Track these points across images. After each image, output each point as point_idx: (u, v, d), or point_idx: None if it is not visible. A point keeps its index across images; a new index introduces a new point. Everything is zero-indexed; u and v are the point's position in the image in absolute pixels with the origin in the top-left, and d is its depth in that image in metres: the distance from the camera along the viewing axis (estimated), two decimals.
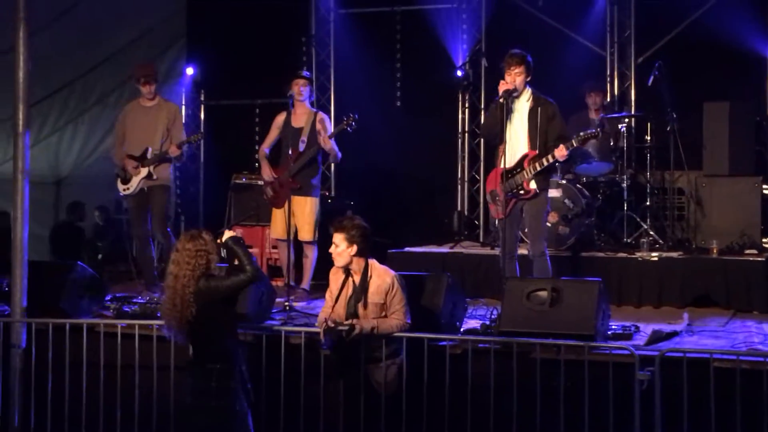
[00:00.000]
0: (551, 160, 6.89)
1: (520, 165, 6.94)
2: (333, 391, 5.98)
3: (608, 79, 10.32)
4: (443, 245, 9.51)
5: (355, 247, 5.67)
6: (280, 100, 8.37)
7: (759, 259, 8.02)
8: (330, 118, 11.26)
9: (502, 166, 6.90)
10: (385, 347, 5.70)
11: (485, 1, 10.74)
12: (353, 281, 5.77)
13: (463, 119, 11.01)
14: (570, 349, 5.64)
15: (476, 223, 10.62)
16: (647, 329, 6.49)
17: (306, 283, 8.25)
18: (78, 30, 10.18)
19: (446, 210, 10.73)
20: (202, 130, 11.92)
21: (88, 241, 12.38)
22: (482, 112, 10.10)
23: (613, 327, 6.41)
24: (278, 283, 8.63)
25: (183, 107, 11.86)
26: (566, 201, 8.59)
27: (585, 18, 10.32)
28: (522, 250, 7.26)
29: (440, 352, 5.81)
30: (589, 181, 9.08)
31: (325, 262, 8.09)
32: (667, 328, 6.63)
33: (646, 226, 8.85)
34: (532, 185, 6.93)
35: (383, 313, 5.71)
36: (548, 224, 8.43)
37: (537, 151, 6.91)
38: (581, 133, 6.96)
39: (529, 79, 6.95)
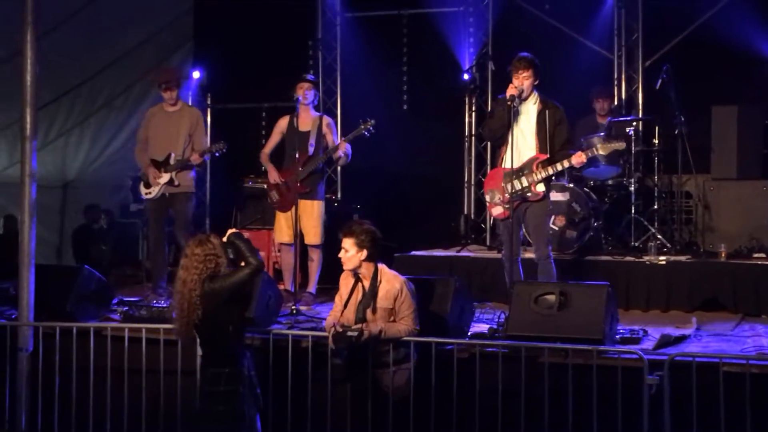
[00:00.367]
0: (566, 166, 6.89)
1: (528, 167, 6.92)
2: (340, 396, 5.96)
3: (616, 82, 10.30)
4: (450, 249, 9.50)
5: (364, 252, 5.65)
6: (287, 104, 8.36)
7: (767, 263, 7.99)
8: (336, 121, 11.31)
9: (504, 166, 6.90)
10: (393, 352, 5.68)
11: (492, 5, 10.72)
12: (363, 286, 5.76)
13: (470, 123, 10.99)
14: (578, 353, 5.62)
15: (483, 226, 10.60)
16: (655, 333, 6.47)
17: (312, 287, 8.23)
18: (85, 33, 10.20)
19: (453, 213, 10.71)
20: (209, 133, 11.95)
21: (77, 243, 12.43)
22: (489, 110, 10.08)
23: (621, 331, 6.39)
24: (279, 287, 8.60)
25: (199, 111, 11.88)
26: (574, 204, 8.58)
27: (592, 21, 10.31)
28: (527, 254, 7.24)
29: (448, 356, 5.80)
30: (597, 185, 9.06)
31: (328, 266, 8.12)
32: (675, 332, 6.61)
33: (653, 230, 8.83)
34: (540, 188, 6.91)
35: (392, 318, 5.69)
36: (556, 228, 8.44)
37: (547, 155, 6.89)
38: (604, 142, 6.99)
39: (536, 82, 6.94)
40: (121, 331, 6.48)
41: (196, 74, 12.05)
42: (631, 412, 5.35)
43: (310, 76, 8.31)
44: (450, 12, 10.91)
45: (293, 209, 7.89)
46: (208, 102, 12.19)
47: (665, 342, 6.21)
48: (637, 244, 8.79)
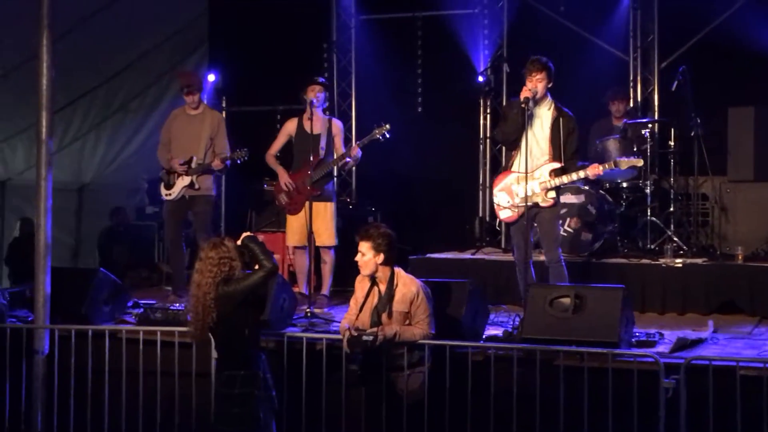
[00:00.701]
0: (582, 176, 6.87)
1: (541, 173, 6.89)
2: (355, 399, 5.95)
3: (631, 84, 10.25)
4: (465, 252, 9.48)
5: (381, 256, 5.64)
6: (301, 107, 8.35)
7: None
8: (351, 124, 11.33)
9: (514, 170, 6.87)
10: (407, 355, 5.67)
11: (507, 7, 10.70)
12: (379, 290, 5.75)
13: (485, 125, 10.97)
14: (593, 356, 5.59)
15: (498, 229, 10.55)
16: (672, 337, 6.43)
17: (326, 290, 8.22)
18: (100, 37, 10.24)
19: (468, 216, 10.68)
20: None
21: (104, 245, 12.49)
22: (502, 113, 10.05)
23: (637, 334, 6.35)
24: (294, 290, 8.60)
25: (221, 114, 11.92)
26: (589, 207, 8.54)
27: (607, 23, 10.27)
28: (538, 257, 7.22)
29: (462, 359, 5.78)
30: (612, 187, 9.02)
31: (343, 269, 8.12)
32: (692, 335, 6.56)
33: (669, 233, 8.78)
34: (551, 195, 6.89)
35: (407, 322, 5.68)
36: (570, 230, 8.41)
37: (560, 163, 6.87)
38: (626, 159, 6.99)
39: (550, 85, 6.91)
40: (136, 334, 6.49)
41: (211, 77, 12.09)
42: (647, 416, 5.32)
43: (321, 78, 8.29)
44: (465, 14, 10.89)
45: (304, 212, 7.89)
46: (223, 105, 12.21)
47: (681, 345, 6.17)
48: (653, 247, 8.75)
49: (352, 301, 5.90)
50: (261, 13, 11.47)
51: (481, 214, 10.77)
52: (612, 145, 8.65)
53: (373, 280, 5.75)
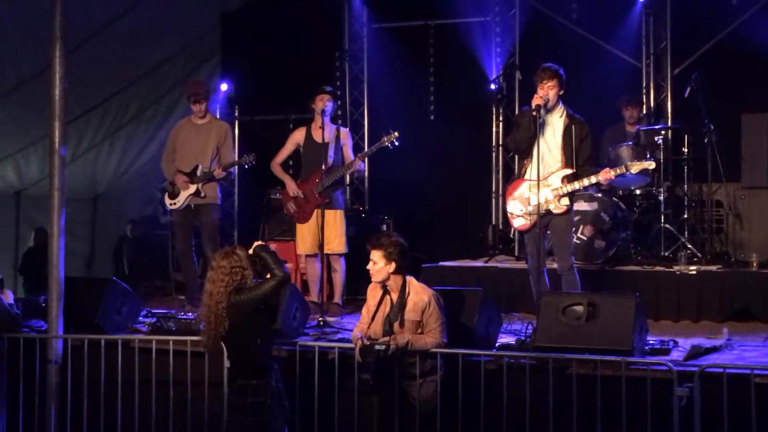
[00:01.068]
0: (594, 182, 6.84)
1: (554, 181, 6.87)
2: (367, 408, 5.94)
3: (644, 90, 10.23)
4: (478, 259, 9.47)
5: (393, 264, 5.64)
6: (313, 116, 8.37)
7: None
8: (363, 133, 11.35)
9: (527, 178, 6.85)
10: (420, 364, 5.66)
11: (519, 14, 10.69)
12: (391, 298, 5.74)
13: (497, 132, 10.95)
14: (607, 364, 5.57)
15: (511, 237, 10.53)
16: (686, 344, 6.39)
17: (338, 298, 8.22)
18: (114, 47, 10.28)
19: (480, 224, 10.66)
20: (236, 146, 11.98)
21: (117, 253, 12.54)
22: (515, 122, 10.04)
23: (651, 342, 6.31)
24: (306, 298, 8.61)
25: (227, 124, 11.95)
26: (602, 214, 8.52)
27: (620, 30, 10.25)
28: (551, 265, 7.20)
29: (475, 367, 5.76)
30: (626, 194, 8.99)
31: (354, 277, 8.12)
32: (706, 342, 6.53)
33: (683, 239, 8.75)
34: (564, 202, 6.87)
35: (419, 331, 5.67)
36: (584, 237, 8.39)
37: (573, 169, 6.85)
38: (637, 162, 6.97)
39: (561, 92, 6.90)
40: (148, 343, 6.50)
41: (223, 86, 12.12)
42: (660, 424, 5.29)
43: (328, 87, 8.29)
44: (476, 22, 10.89)
45: (314, 220, 7.90)
46: (236, 114, 12.25)
47: (696, 353, 6.13)
48: (667, 254, 8.72)
49: (364, 310, 5.89)
50: (273, 22, 11.50)
51: (494, 222, 10.74)
52: (625, 151, 8.63)
53: (385, 289, 5.75)
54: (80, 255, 12.38)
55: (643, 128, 9.14)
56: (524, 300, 8.03)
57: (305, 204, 8.13)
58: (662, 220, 8.86)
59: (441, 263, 9.18)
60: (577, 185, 6.82)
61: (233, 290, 5.21)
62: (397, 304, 5.70)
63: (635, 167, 7.05)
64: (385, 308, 5.74)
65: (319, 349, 6.15)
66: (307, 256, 8.26)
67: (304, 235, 8.18)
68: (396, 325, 5.66)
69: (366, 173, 10.92)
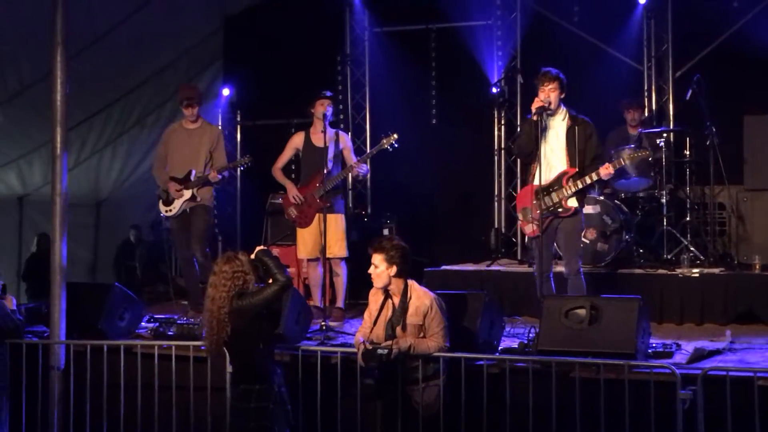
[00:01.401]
0: (595, 178, 6.82)
1: (558, 182, 6.86)
2: (370, 412, 5.93)
3: (646, 93, 10.23)
4: (480, 263, 9.46)
5: (394, 268, 5.63)
6: (312, 120, 8.37)
7: None
8: (366, 137, 11.35)
9: (536, 183, 6.84)
10: (423, 368, 5.65)
11: (520, 18, 10.70)
12: (392, 302, 5.73)
13: (499, 136, 10.95)
14: (610, 368, 5.55)
15: (514, 240, 10.54)
16: (689, 347, 6.38)
17: (341, 302, 8.22)
18: (116, 53, 10.29)
19: (483, 228, 10.66)
20: (238, 150, 12.02)
21: (119, 259, 12.55)
22: (518, 129, 10.05)
23: (654, 345, 6.31)
24: (309, 303, 8.60)
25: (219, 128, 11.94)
26: (605, 217, 8.51)
27: (621, 32, 10.25)
28: (557, 268, 7.19)
29: (478, 371, 5.75)
30: (628, 197, 8.98)
31: (357, 282, 8.11)
32: (709, 345, 6.52)
33: (686, 242, 8.73)
34: (571, 203, 6.86)
35: (421, 335, 5.66)
36: (587, 241, 8.37)
37: (576, 169, 6.84)
38: (629, 152, 6.92)
39: (563, 96, 6.89)
40: (150, 349, 6.50)
41: (225, 91, 12.16)
42: (664, 427, 5.27)
43: (328, 92, 8.28)
44: (478, 26, 10.89)
45: (315, 224, 7.90)
46: (238, 119, 12.28)
47: (699, 356, 6.13)
48: (669, 257, 8.70)
49: (366, 314, 5.88)
50: (275, 27, 11.51)
51: (496, 225, 10.74)
52: (627, 154, 8.60)
53: (387, 293, 5.74)
54: (83, 261, 12.39)
55: (646, 131, 9.13)
56: (527, 303, 8.02)
57: (306, 209, 8.13)
58: (665, 223, 8.84)
59: (443, 267, 9.17)
60: (580, 184, 6.81)
61: (235, 295, 5.21)
62: (399, 308, 5.69)
63: (630, 158, 7.00)
64: (387, 312, 5.73)
65: (322, 354, 6.15)
66: (308, 260, 8.26)
67: (306, 240, 8.18)
68: (398, 329, 5.65)
69: (368, 177, 10.92)
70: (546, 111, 6.82)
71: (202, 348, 5.60)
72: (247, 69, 11.75)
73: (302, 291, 8.62)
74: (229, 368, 5.70)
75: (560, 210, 6.86)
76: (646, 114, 9.94)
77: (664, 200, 8.87)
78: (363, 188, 11.36)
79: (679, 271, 8.20)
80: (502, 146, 10.89)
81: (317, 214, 7.97)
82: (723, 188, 9.07)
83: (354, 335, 6.02)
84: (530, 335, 6.52)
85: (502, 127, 10.92)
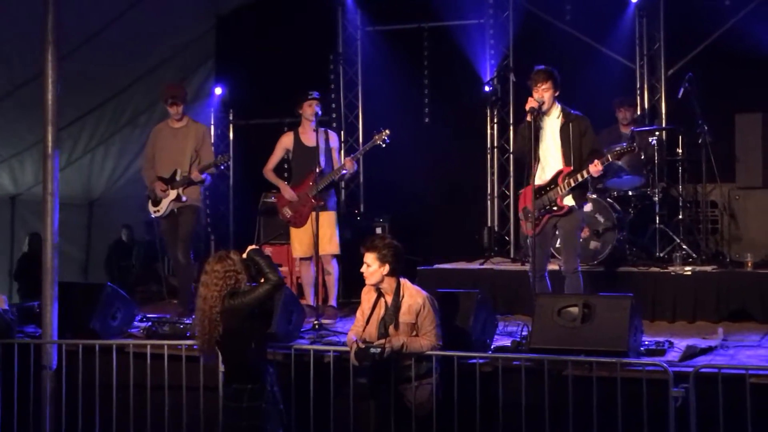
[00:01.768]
0: (585, 176, 6.83)
1: (554, 181, 6.88)
2: (364, 411, 5.93)
3: (638, 92, 10.24)
4: (473, 262, 9.46)
5: (387, 267, 5.63)
6: (301, 120, 8.37)
7: None
8: (358, 135, 11.35)
9: (534, 183, 6.85)
10: (415, 367, 5.65)
11: (512, 17, 10.70)
12: (385, 301, 5.73)
13: (492, 135, 10.96)
14: (602, 366, 5.56)
15: (507, 238, 10.55)
16: (681, 345, 6.39)
17: (333, 300, 8.22)
18: (108, 52, 10.27)
19: (476, 226, 10.66)
20: (231, 149, 12.01)
21: (110, 258, 12.52)
22: (511, 128, 10.06)
23: (647, 343, 6.31)
24: (301, 302, 8.59)
25: (212, 127, 11.94)
26: (597, 215, 8.51)
27: (613, 31, 10.26)
28: (553, 266, 7.19)
29: (471, 369, 5.75)
30: (621, 195, 8.99)
31: (349, 280, 8.10)
32: (701, 343, 6.53)
33: (679, 240, 8.75)
34: (567, 201, 6.86)
35: (414, 333, 5.67)
36: (580, 239, 8.37)
37: (571, 167, 6.84)
38: (617, 148, 6.92)
39: (557, 94, 6.89)
40: (143, 348, 6.49)
41: (218, 90, 12.14)
42: (656, 425, 5.28)
43: (315, 93, 8.26)
44: (470, 24, 10.90)
45: (309, 223, 7.90)
46: (230, 118, 12.27)
47: (691, 354, 6.14)
48: (662, 255, 8.72)
49: (358, 313, 5.88)
50: (267, 26, 11.51)
51: (489, 224, 10.75)
52: (615, 151, 8.61)
53: (379, 292, 5.74)
54: (76, 260, 12.36)
55: (638, 129, 9.14)
56: (520, 302, 8.04)
57: (301, 208, 8.13)
58: (657, 221, 8.86)
59: (436, 266, 9.17)
60: (572, 182, 6.82)
61: (227, 294, 5.20)
62: (392, 307, 5.69)
63: (617, 155, 6.98)
64: (380, 311, 5.73)
65: (315, 353, 6.15)
66: (302, 259, 8.26)
67: (301, 239, 8.18)
68: (391, 327, 5.65)
69: (361, 176, 10.91)
70: (539, 111, 6.81)
71: (195, 347, 5.58)
72: (239, 68, 11.74)
73: (295, 290, 8.62)
74: (221, 368, 5.70)
75: (555, 208, 6.87)
76: (638, 112, 9.95)
77: (656, 198, 8.88)
78: (356, 187, 11.35)
79: (671, 269, 8.21)
80: (495, 145, 10.89)
81: (312, 213, 7.97)
82: (715, 186, 9.10)
83: (347, 334, 6.01)
84: (523, 333, 6.53)
85: (495, 125, 10.92)
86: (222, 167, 8.37)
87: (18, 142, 10.71)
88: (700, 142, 8.76)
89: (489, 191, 10.90)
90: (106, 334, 7.02)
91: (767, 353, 6.34)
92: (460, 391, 5.68)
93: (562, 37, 10.16)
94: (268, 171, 8.34)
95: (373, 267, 5.65)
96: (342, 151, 8.66)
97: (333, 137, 8.34)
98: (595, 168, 6.74)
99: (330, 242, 8.08)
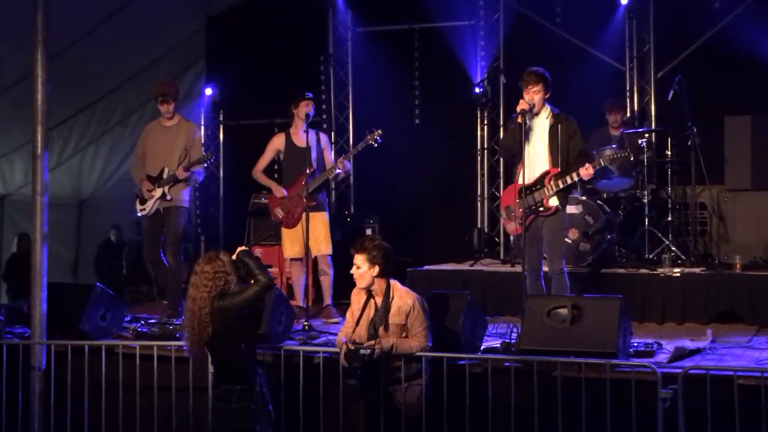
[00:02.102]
0: (576, 179, 6.84)
1: (540, 182, 6.89)
2: (353, 412, 5.93)
3: (628, 94, 10.28)
4: (463, 263, 9.47)
5: (376, 268, 5.63)
6: (293, 121, 8.36)
7: None
8: (349, 136, 11.36)
9: (519, 182, 6.86)
10: (405, 368, 5.65)
11: (503, 18, 10.73)
12: (375, 302, 5.73)
13: (482, 136, 10.98)
14: (591, 367, 5.57)
15: (496, 240, 10.56)
16: (670, 346, 6.41)
17: (329, 299, 8.21)
18: (99, 52, 10.26)
19: (466, 227, 10.68)
20: (221, 150, 12.00)
21: (99, 258, 12.50)
22: (501, 129, 10.07)
23: (635, 344, 6.33)
24: (291, 303, 8.57)
25: (202, 127, 11.91)
26: (587, 217, 8.53)
27: (603, 33, 10.29)
28: (543, 267, 7.20)
29: (460, 371, 5.76)
30: (610, 197, 9.02)
31: (339, 282, 8.09)
32: (690, 344, 6.55)
33: (668, 242, 8.77)
34: (552, 202, 6.88)
35: (404, 335, 5.67)
36: (569, 240, 8.39)
37: (558, 169, 6.86)
38: (608, 152, 6.94)
39: (547, 96, 6.91)
40: (132, 349, 6.48)
41: (208, 91, 12.13)
42: (645, 426, 5.29)
43: (309, 93, 8.26)
44: (461, 26, 10.92)
45: (301, 223, 7.89)
46: (221, 118, 12.26)
47: (680, 355, 6.16)
48: (651, 257, 8.74)
49: (348, 314, 5.87)
50: (257, 27, 11.50)
51: (479, 225, 10.78)
52: (607, 155, 8.64)
53: (369, 293, 5.73)
54: (65, 260, 12.35)
55: (627, 131, 9.17)
56: (510, 303, 8.04)
57: (293, 209, 8.13)
58: (646, 223, 8.88)
59: (426, 267, 9.17)
60: (560, 183, 6.84)
61: (217, 295, 5.20)
62: (382, 308, 5.69)
63: (609, 158, 7.03)
64: (370, 312, 5.73)
65: (304, 354, 6.14)
66: (293, 260, 8.26)
67: (293, 240, 8.17)
68: (381, 329, 5.65)
69: (351, 177, 10.91)
70: (530, 113, 6.83)
71: (185, 348, 5.58)
72: (230, 68, 11.73)
73: (285, 291, 8.61)
74: (211, 369, 5.69)
75: (541, 209, 6.89)
76: (628, 115, 9.98)
77: (645, 200, 8.90)
78: (346, 188, 11.35)
79: (660, 270, 8.23)
80: (485, 146, 10.92)
81: (304, 214, 7.96)
82: (704, 188, 9.13)
83: (336, 335, 6.01)
84: (512, 334, 6.54)
85: (485, 127, 10.95)
86: (206, 164, 8.30)
87: (7, 142, 10.70)
88: (689, 144, 8.79)
89: (479, 192, 10.93)
90: (95, 335, 7.00)
91: (755, 355, 6.36)
92: (450, 392, 5.69)
93: (553, 39, 10.20)
94: (258, 172, 8.33)
95: (363, 268, 5.64)
96: (333, 152, 8.62)
97: (324, 138, 8.36)
98: (587, 172, 6.77)
99: (324, 242, 8.08)
